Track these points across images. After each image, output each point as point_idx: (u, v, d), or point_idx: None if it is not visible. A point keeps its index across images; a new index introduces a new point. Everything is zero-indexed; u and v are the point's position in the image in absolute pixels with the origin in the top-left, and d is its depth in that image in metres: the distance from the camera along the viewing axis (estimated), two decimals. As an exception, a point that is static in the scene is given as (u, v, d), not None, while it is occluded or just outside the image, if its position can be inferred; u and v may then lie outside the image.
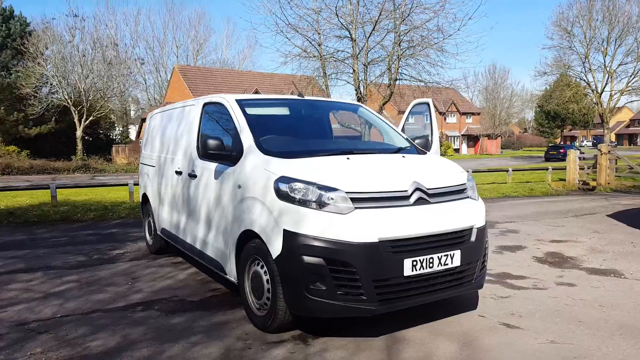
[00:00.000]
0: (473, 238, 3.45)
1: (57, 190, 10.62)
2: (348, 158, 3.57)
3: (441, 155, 4.96)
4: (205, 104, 4.54)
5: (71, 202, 10.66)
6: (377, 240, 3.01)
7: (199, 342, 3.27)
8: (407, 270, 3.09)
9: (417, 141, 4.71)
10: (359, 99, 25.50)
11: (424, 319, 3.65)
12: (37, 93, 31.85)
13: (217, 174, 3.93)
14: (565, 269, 5.19)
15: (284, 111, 4.62)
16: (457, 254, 3.31)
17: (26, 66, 32.13)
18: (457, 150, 55.02)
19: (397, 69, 21.83)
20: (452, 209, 3.42)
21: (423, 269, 3.15)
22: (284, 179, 3.20)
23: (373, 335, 3.36)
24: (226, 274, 3.87)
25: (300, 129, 4.53)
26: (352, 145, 4.08)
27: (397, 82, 22.78)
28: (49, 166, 28.01)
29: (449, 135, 55.49)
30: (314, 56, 23.90)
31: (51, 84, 32.51)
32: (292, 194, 3.13)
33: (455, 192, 3.57)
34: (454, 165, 3.93)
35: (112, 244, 6.72)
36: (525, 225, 7.99)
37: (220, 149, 3.73)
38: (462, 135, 57.27)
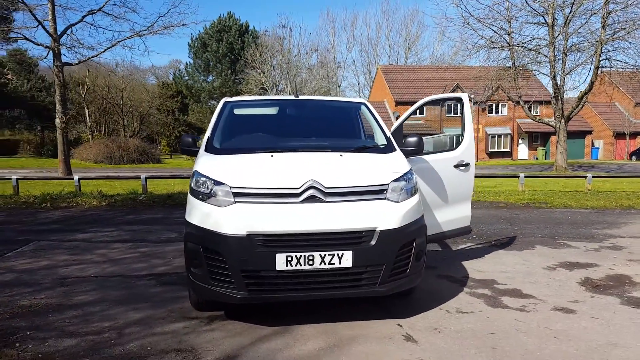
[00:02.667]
0: (373, 241, 3.30)
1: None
2: (272, 155, 3.76)
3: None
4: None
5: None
6: (245, 234, 3.19)
7: (139, 307, 3.98)
8: (280, 265, 3.18)
9: (428, 138, 4.47)
10: (555, 90, 22.67)
11: (332, 319, 3.64)
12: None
13: None
14: (602, 295, 4.20)
15: (272, 111, 4.93)
16: (349, 254, 3.24)
17: (247, 73, 38.12)
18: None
19: (599, 55, 18.74)
20: (350, 209, 3.35)
21: (300, 265, 3.19)
22: (196, 174, 3.63)
23: (269, 325, 3.53)
24: None
25: (279, 128, 4.79)
26: (302, 143, 4.16)
27: (607, 69, 19.70)
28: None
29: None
30: (502, 46, 22.31)
31: (265, 90, 37.76)
32: (195, 187, 3.55)
33: (365, 193, 3.46)
34: (387, 165, 3.74)
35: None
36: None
37: (190, 146, 4.29)
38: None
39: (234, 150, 4.00)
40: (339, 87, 42.43)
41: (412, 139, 4.46)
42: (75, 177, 12.49)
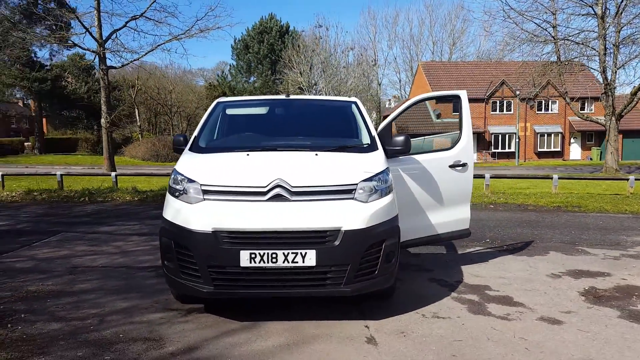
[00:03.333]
0: (338, 241, 3.31)
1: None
2: (248, 155, 3.86)
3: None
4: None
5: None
6: (211, 230, 3.30)
7: (129, 297, 4.21)
8: (244, 262, 3.27)
9: (428, 137, 4.45)
10: (605, 86, 21.41)
11: (304, 317, 3.69)
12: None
13: None
14: (601, 306, 4.00)
15: (262, 111, 5.03)
16: (312, 254, 3.27)
17: (285, 74, 38.84)
18: None
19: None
20: (316, 209, 3.38)
21: (264, 262, 3.26)
22: (174, 172, 3.78)
23: (240, 320, 3.64)
24: None
25: (266, 127, 4.88)
26: (283, 142, 4.31)
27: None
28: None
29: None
30: (545, 40, 21.37)
31: (302, 90, 38.31)
32: (172, 184, 3.71)
33: (332, 192, 3.48)
34: (361, 165, 3.74)
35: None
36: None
37: (181, 145, 4.41)
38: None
39: (215, 150, 4.14)
40: (380, 84, 42.18)
41: (399, 139, 4.42)
42: (113, 174, 13.21)
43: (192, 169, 3.67)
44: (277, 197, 3.40)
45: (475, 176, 19.01)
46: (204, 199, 3.45)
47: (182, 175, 3.64)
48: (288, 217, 3.32)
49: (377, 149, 4.19)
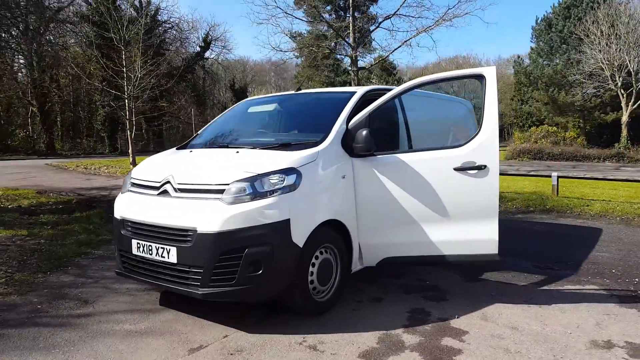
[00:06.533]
0: (192, 242, 3.29)
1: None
2: (191, 151, 4.23)
3: None
4: None
5: (575, 194, 9.86)
6: (119, 218, 3.80)
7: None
8: (135, 250, 3.61)
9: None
10: None
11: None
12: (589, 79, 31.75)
13: None
14: None
15: (271, 107, 5.03)
16: (173, 251, 3.37)
17: (583, 53, 32.51)
18: None
19: None
20: (185, 206, 3.44)
21: (144, 253, 3.54)
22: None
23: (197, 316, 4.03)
24: None
25: (252, 125, 4.92)
26: (240, 139, 4.19)
27: None
28: (579, 153, 28.20)
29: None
30: None
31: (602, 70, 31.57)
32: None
33: (206, 191, 3.45)
34: (253, 164, 3.51)
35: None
36: None
37: None
38: None
39: (183, 146, 4.54)
40: None
41: (359, 135, 3.75)
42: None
43: (141, 163, 4.23)
44: (164, 193, 3.57)
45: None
46: (128, 190, 3.95)
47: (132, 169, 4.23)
48: (163, 213, 3.47)
49: (317, 145, 3.73)
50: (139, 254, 3.59)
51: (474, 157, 3.72)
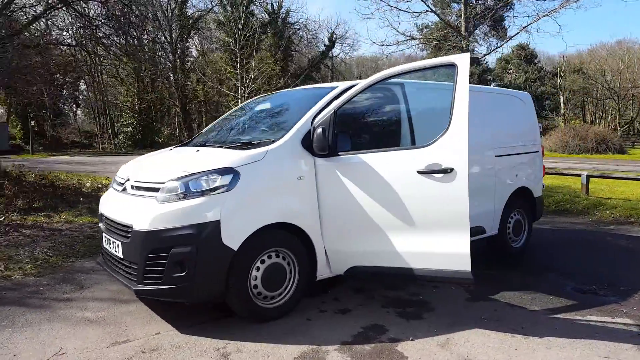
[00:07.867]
0: (130, 238, 3.38)
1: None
2: (171, 149, 4.43)
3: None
4: None
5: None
6: (99, 212, 4.06)
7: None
8: (104, 243, 3.85)
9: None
10: None
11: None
12: None
13: None
14: None
15: (267, 106, 4.89)
16: (119, 246, 3.51)
17: None
18: None
19: None
20: (130, 203, 3.57)
21: (107, 246, 3.75)
22: None
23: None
24: None
25: (240, 124, 4.80)
26: (216, 138, 4.22)
27: None
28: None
29: None
30: None
31: None
32: None
33: (148, 189, 3.52)
34: (195, 163, 3.53)
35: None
36: None
37: None
38: None
39: (179, 145, 4.68)
40: None
41: (315, 132, 3.54)
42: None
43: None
44: (124, 190, 3.75)
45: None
46: (111, 186, 4.20)
47: None
48: (117, 208, 3.65)
49: (270, 144, 3.58)
50: (105, 246, 3.83)
51: (440, 158, 3.21)
